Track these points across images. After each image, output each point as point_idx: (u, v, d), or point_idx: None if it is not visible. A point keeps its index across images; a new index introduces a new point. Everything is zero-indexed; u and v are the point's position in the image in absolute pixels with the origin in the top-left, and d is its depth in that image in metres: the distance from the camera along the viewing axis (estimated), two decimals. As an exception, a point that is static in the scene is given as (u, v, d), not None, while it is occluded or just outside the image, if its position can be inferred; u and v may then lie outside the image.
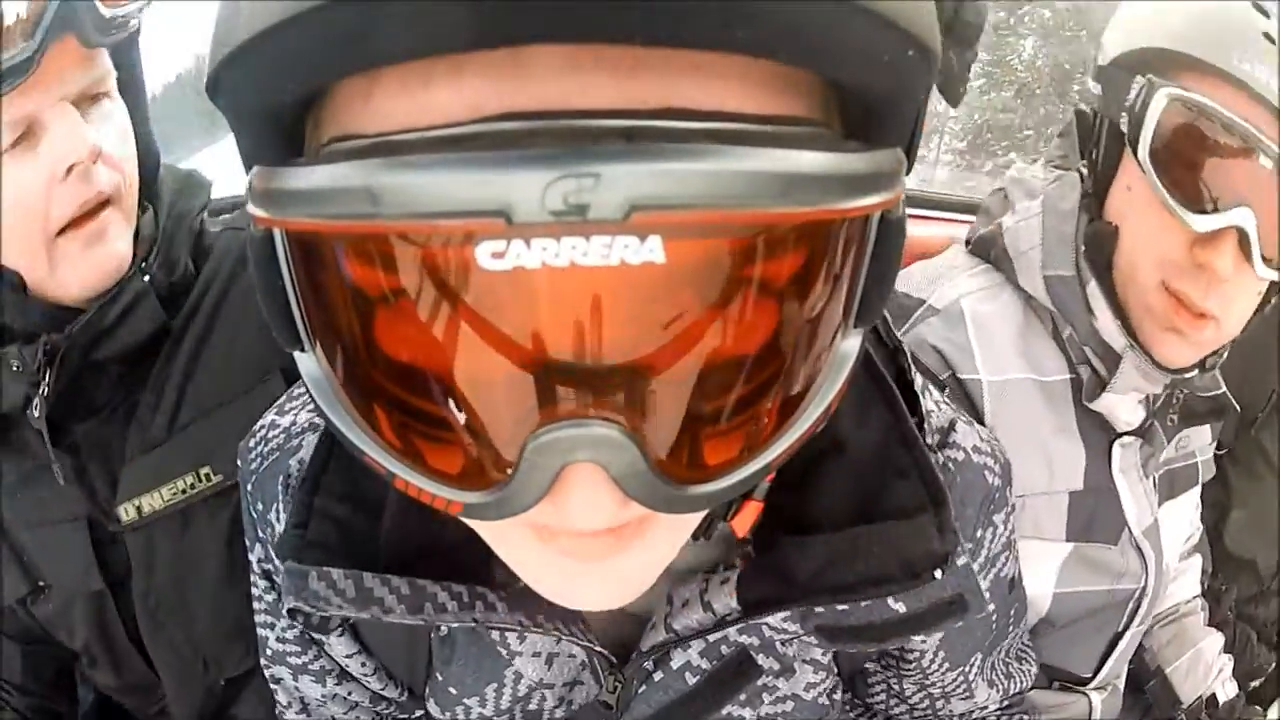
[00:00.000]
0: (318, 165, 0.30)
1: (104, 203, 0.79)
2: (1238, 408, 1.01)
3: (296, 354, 0.39)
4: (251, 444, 0.65)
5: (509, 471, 0.36)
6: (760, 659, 0.59)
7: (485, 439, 0.36)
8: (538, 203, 0.27)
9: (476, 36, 0.27)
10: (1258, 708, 1.18)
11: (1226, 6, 0.75)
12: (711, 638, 0.56)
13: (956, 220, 1.63)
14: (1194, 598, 1.17)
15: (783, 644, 0.59)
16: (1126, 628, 1.01)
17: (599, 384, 0.34)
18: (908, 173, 0.36)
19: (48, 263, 0.79)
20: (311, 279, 0.35)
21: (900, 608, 0.54)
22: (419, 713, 0.66)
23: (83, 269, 0.80)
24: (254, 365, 0.89)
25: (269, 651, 0.67)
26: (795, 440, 0.39)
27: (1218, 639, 1.15)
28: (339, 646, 0.63)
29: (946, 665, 0.67)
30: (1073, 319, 0.90)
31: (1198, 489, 1.08)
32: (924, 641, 0.64)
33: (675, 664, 0.59)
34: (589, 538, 0.40)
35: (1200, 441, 1.05)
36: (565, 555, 0.41)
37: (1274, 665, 1.24)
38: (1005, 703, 0.75)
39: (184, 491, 0.87)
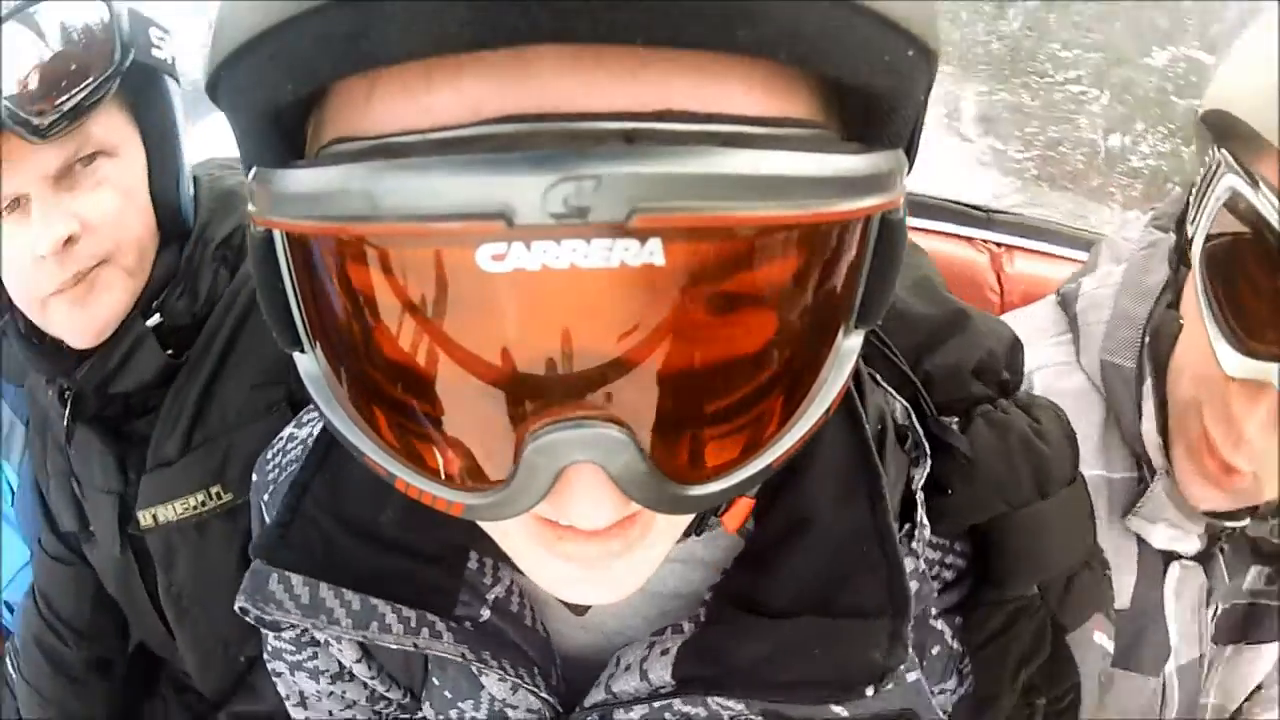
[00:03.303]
0: (317, 167, 0.30)
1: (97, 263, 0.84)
2: None
3: (296, 355, 0.39)
4: (269, 455, 0.65)
5: (509, 473, 0.35)
6: None
7: (485, 440, 0.36)
8: (538, 205, 0.27)
9: (477, 37, 0.27)
10: None
11: None
12: (656, 704, 0.54)
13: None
14: None
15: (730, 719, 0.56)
16: None
17: (599, 385, 0.34)
18: (908, 172, 0.36)
19: (42, 318, 0.87)
20: (311, 281, 0.35)
21: (842, 712, 0.50)
22: (420, 714, 0.66)
23: (72, 325, 0.87)
24: (264, 396, 0.93)
25: (269, 648, 0.69)
26: (796, 441, 0.39)
27: None
28: (348, 652, 0.63)
29: None
30: (1122, 415, 0.77)
31: None
32: None
33: None
34: (593, 540, 0.40)
35: None
36: (569, 560, 0.41)
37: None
38: None
39: (195, 508, 0.93)
